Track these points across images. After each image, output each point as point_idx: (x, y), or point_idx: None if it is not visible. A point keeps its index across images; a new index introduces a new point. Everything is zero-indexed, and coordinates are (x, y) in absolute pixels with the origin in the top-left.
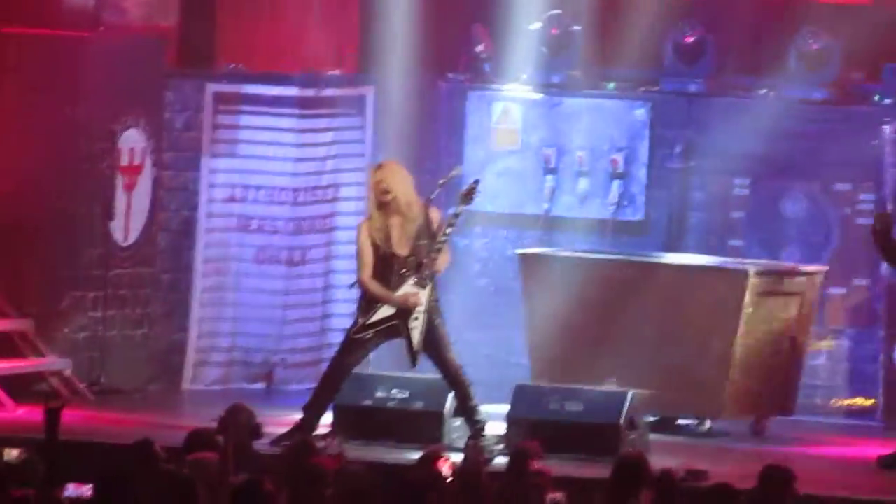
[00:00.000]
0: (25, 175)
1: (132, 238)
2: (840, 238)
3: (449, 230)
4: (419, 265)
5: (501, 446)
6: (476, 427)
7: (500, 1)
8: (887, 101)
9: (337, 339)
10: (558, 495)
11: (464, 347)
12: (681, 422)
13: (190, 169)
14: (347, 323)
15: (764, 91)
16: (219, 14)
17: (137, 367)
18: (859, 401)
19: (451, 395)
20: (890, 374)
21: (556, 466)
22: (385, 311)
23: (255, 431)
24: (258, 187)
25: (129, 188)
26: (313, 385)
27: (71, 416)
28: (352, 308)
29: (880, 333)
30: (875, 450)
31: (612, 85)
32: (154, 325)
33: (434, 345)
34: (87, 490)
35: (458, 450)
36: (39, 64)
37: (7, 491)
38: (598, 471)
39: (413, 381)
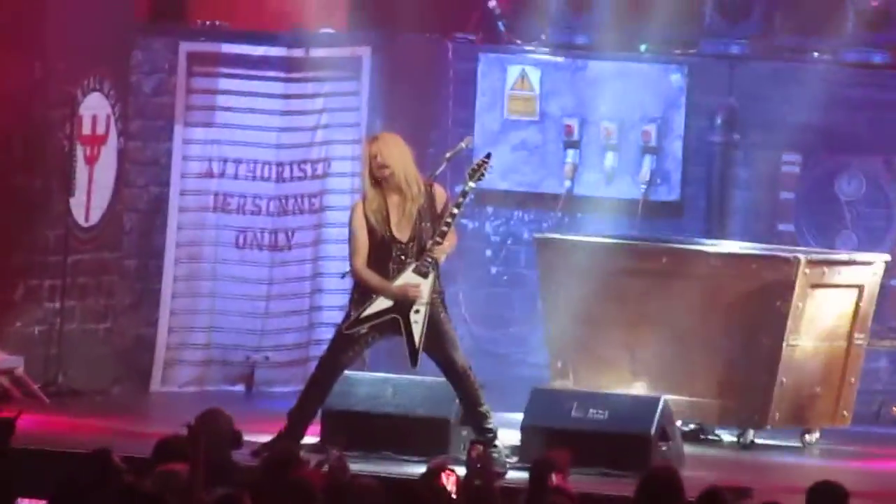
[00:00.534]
0: None
1: (94, 218)
2: None
3: (456, 211)
4: (421, 251)
5: (515, 459)
6: (486, 436)
7: None
8: None
9: (327, 334)
10: None
11: (472, 345)
12: (720, 432)
13: (160, 140)
14: (339, 316)
15: (817, 54)
16: None
17: (99, 365)
18: None
19: (457, 401)
20: None
21: (578, 482)
22: (382, 304)
23: (234, 440)
24: (238, 161)
25: (91, 161)
26: (300, 387)
27: (24, 421)
28: (344, 300)
29: None
30: None
31: (644, 47)
32: (119, 318)
33: (438, 342)
34: None
35: (465, 463)
36: None
37: None
38: (625, 488)
39: (414, 384)
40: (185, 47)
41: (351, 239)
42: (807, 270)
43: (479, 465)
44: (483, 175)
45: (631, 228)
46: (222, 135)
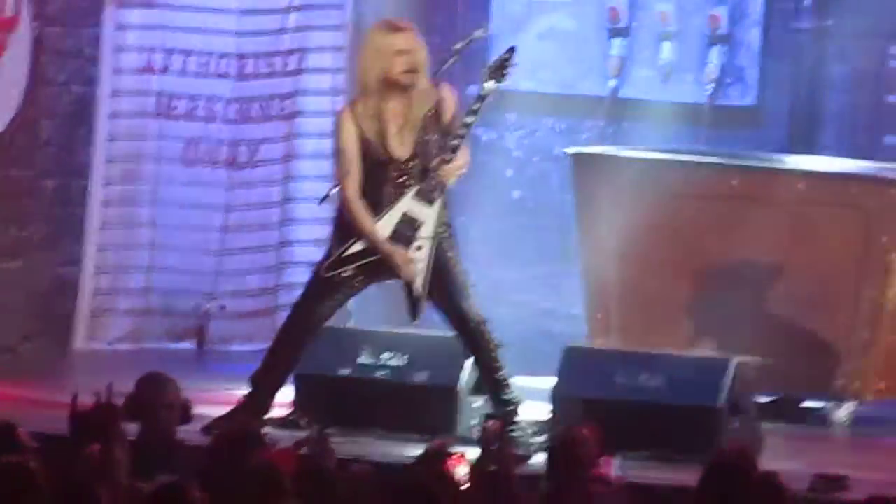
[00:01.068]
0: None
1: (1, 125)
2: None
3: (470, 120)
4: (425, 171)
5: (543, 438)
6: (505, 409)
7: None
8: None
9: (301, 277)
10: None
11: (489, 292)
12: (808, 404)
13: (86, 25)
14: (316, 254)
15: None
16: None
17: (9, 315)
18: None
19: (468, 363)
20: None
21: (623, 469)
22: None
23: (180, 413)
24: (187, 52)
25: None
26: (266, 345)
27: None
28: (323, 232)
29: None
30: None
31: None
32: (33, 255)
33: (445, 289)
34: None
35: (478, 443)
36: None
37: None
38: (685, 476)
39: (414, 342)
40: None
41: (338, 154)
42: None
43: (494, 446)
44: (504, 75)
45: (694, 141)
46: (166, 18)
